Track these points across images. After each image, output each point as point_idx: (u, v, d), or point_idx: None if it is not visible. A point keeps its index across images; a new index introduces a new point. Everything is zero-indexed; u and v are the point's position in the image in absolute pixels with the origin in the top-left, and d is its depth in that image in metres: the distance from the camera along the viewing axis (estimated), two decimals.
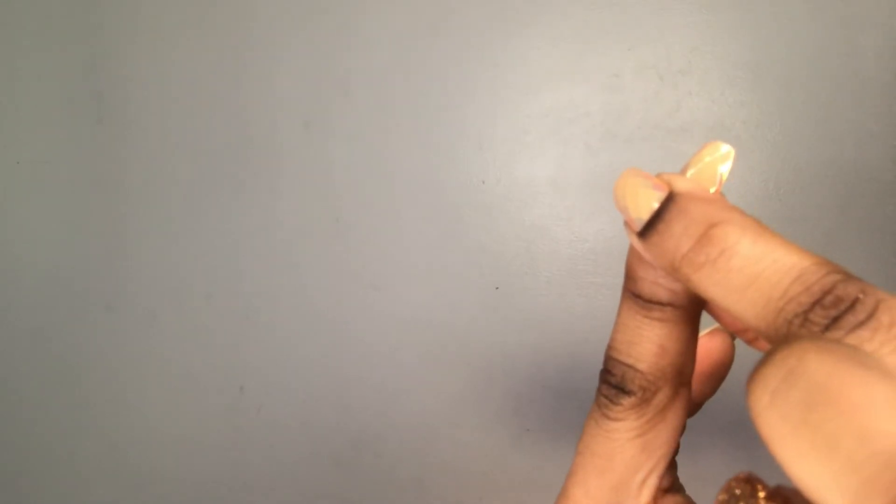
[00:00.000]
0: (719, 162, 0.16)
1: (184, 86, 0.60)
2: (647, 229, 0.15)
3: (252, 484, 0.61)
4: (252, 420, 0.60)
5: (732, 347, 0.21)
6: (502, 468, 0.56)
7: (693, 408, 0.21)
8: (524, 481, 0.56)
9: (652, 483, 0.17)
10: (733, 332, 0.20)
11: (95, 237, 0.62)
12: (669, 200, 0.15)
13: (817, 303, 0.13)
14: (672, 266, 0.15)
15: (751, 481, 0.14)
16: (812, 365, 0.11)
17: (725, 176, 0.16)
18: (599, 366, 0.19)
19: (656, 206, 0.15)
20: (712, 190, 0.16)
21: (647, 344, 0.17)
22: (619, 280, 0.57)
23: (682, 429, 0.18)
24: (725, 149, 0.17)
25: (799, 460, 0.11)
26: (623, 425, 0.17)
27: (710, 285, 0.14)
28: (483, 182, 0.55)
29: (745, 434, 0.51)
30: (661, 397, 0.17)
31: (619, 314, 0.18)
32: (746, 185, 0.51)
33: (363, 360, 0.58)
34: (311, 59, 0.58)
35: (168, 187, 0.60)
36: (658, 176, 0.16)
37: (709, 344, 0.20)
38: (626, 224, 0.16)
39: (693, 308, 0.17)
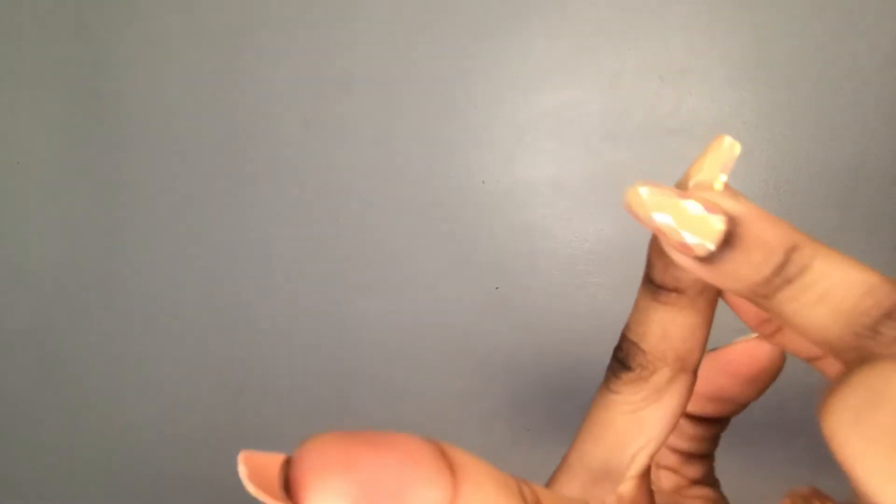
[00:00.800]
0: (725, 156, 0.17)
1: (184, 86, 0.60)
2: (717, 256, 0.15)
3: None
4: (252, 420, 0.60)
5: (782, 356, 0.21)
6: (502, 468, 0.56)
7: (737, 408, 0.21)
8: None
9: (641, 461, 0.18)
10: (753, 325, 0.21)
11: (95, 237, 0.62)
12: (740, 226, 0.15)
13: (887, 315, 0.13)
14: (751, 291, 0.15)
15: (818, 496, 0.14)
16: None
17: (729, 168, 0.17)
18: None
19: (721, 228, 0.15)
20: (723, 178, 0.16)
21: (652, 325, 0.18)
22: (620, 280, 0.57)
23: (679, 414, 0.18)
24: (728, 142, 0.17)
25: (891, 485, 0.11)
26: (619, 398, 0.18)
27: (786, 304, 0.14)
28: (483, 182, 0.55)
29: (747, 434, 0.51)
30: (658, 378, 0.18)
31: (637, 296, 0.19)
32: (746, 185, 0.51)
33: (363, 361, 0.58)
34: (311, 58, 0.58)
35: (168, 187, 0.60)
36: (687, 191, 0.16)
37: (757, 350, 0.21)
38: (675, 245, 0.16)
39: (702, 299, 0.18)
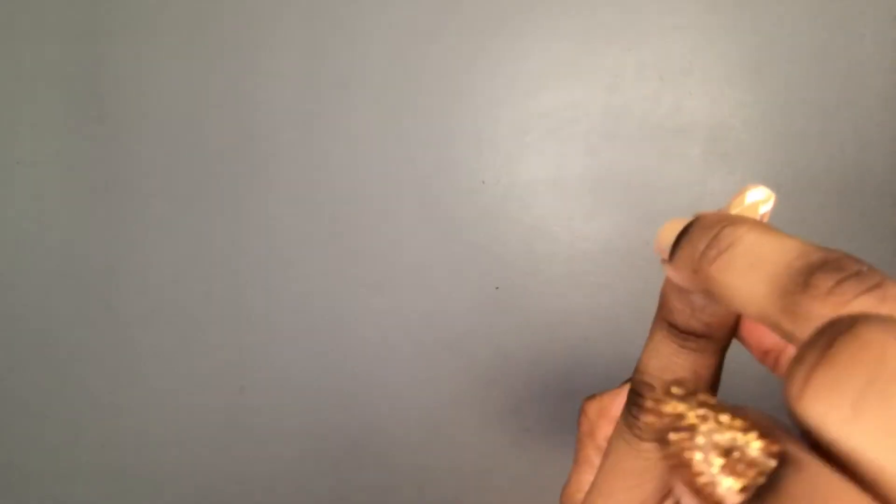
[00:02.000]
0: (759, 205, 0.17)
1: (184, 85, 0.60)
2: (673, 251, 0.16)
3: (252, 484, 0.61)
4: (252, 420, 0.60)
5: None
6: (502, 468, 0.56)
7: None
8: (524, 481, 0.56)
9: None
10: (758, 357, 0.21)
11: (95, 237, 0.62)
12: (693, 221, 0.16)
13: (819, 267, 0.12)
14: (693, 270, 0.15)
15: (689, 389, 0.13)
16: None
17: (766, 217, 0.17)
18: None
19: (681, 226, 0.16)
20: (764, 209, 0.17)
21: (682, 371, 0.17)
22: (620, 280, 0.56)
23: None
24: (764, 193, 0.17)
25: None
26: (655, 445, 0.17)
27: (720, 273, 0.14)
28: (483, 182, 0.55)
29: None
30: None
31: (651, 340, 0.18)
32: (746, 185, 0.51)
33: (363, 361, 0.58)
34: (311, 58, 0.58)
35: (168, 187, 0.60)
36: None
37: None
38: (662, 261, 0.17)
39: (725, 339, 0.18)
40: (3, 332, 0.64)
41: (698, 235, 0.15)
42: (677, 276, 0.16)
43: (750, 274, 0.14)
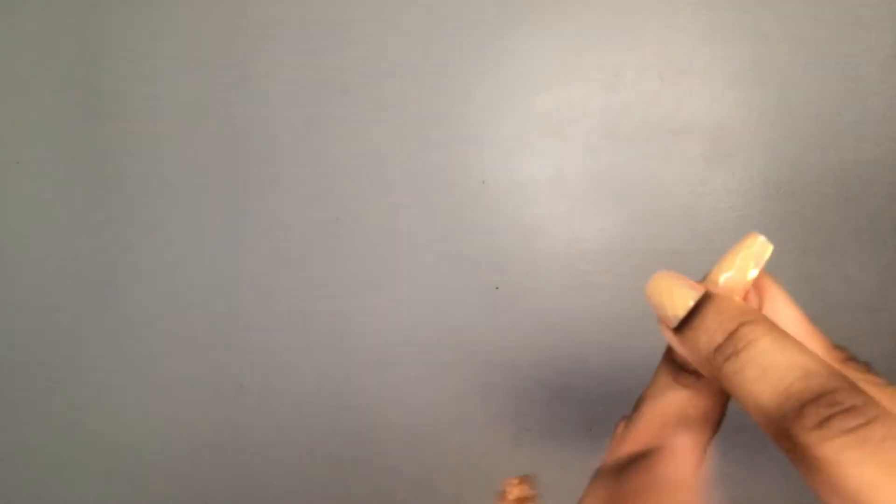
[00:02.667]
0: (752, 258, 0.18)
1: (184, 86, 0.60)
2: (683, 325, 0.17)
3: (252, 484, 0.61)
4: (252, 420, 0.60)
5: None
6: (502, 468, 0.56)
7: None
8: None
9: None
10: None
11: (95, 237, 0.62)
12: (706, 299, 0.17)
13: (813, 400, 0.14)
14: (705, 358, 0.16)
15: (527, 482, 0.15)
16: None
17: (758, 271, 0.18)
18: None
19: (692, 304, 0.17)
20: (753, 273, 0.17)
21: (674, 405, 0.19)
22: (619, 280, 0.56)
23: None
24: (761, 242, 0.18)
25: None
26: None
27: (731, 374, 0.15)
28: (483, 182, 0.55)
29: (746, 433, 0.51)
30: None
31: (657, 372, 0.20)
32: (746, 185, 0.51)
33: (363, 361, 0.58)
34: (311, 59, 0.58)
35: (168, 187, 0.60)
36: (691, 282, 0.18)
37: None
38: (661, 321, 0.18)
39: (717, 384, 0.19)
40: (3, 331, 0.64)
41: (716, 325, 0.16)
42: (683, 351, 0.17)
43: (756, 384, 0.15)
